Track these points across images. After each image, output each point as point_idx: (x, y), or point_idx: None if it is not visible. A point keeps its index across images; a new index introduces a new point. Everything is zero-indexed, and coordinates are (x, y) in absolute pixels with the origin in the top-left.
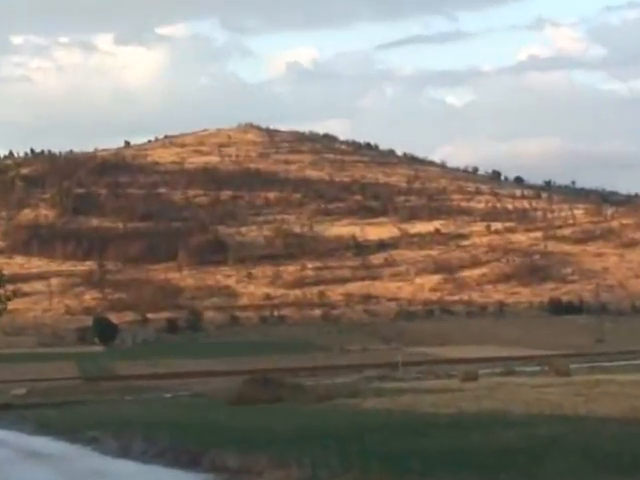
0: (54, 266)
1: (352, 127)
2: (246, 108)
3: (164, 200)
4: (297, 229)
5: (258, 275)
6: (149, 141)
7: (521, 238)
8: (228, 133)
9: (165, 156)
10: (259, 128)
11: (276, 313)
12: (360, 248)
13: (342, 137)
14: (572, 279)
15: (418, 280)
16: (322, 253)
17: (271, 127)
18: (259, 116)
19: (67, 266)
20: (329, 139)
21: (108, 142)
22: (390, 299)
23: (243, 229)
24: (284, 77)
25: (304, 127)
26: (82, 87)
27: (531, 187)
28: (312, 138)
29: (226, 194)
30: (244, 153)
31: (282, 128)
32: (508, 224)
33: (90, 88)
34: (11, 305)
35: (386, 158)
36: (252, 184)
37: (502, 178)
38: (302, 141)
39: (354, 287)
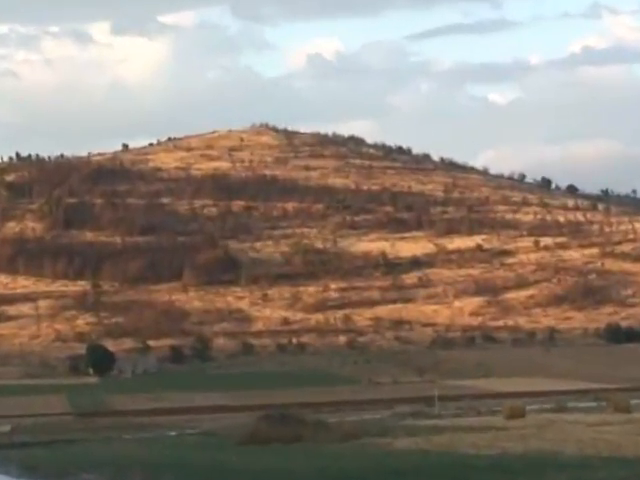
0: (42, 286)
1: (381, 128)
2: (261, 107)
3: (168, 211)
4: (319, 244)
5: (274, 297)
6: (150, 144)
7: (574, 255)
8: (240, 135)
9: (169, 161)
10: (276, 129)
11: (295, 340)
12: (391, 266)
13: (370, 140)
14: (632, 302)
15: (457, 303)
16: (347, 272)
17: (289, 128)
18: (276, 116)
19: (57, 286)
20: (355, 142)
21: (104, 145)
22: (425, 324)
23: (257, 244)
24: (304, 71)
25: (327, 128)
26: (75, 83)
27: (586, 197)
28: (336, 141)
29: (238, 204)
30: (258, 158)
31: (302, 129)
32: (559, 239)
33: (84, 84)
34: None
35: (420, 164)
36: (268, 193)
37: (553, 187)
38: (325, 144)
39: (384, 311)
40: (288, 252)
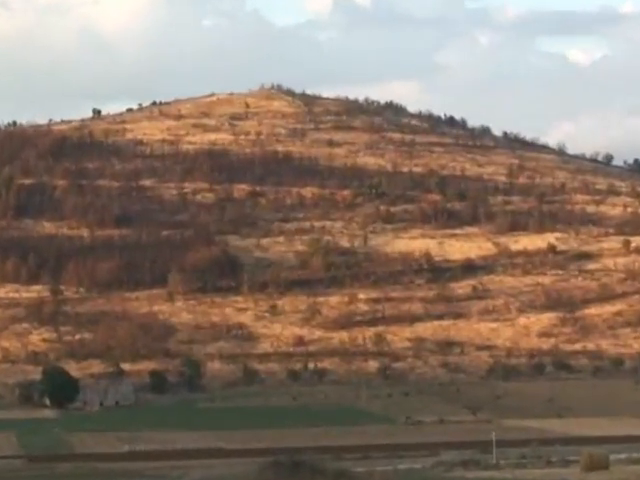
0: None
1: (427, 93)
2: (272, 64)
3: (150, 197)
4: (344, 242)
5: (286, 309)
6: (129, 110)
7: None
8: (245, 100)
9: (153, 132)
10: (291, 93)
11: (312, 365)
12: (437, 272)
13: (412, 108)
14: None
15: (522, 320)
16: (381, 278)
17: (309, 92)
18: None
19: (6, 292)
20: (394, 110)
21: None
22: (480, 347)
23: (265, 241)
24: (329, 19)
25: (357, 93)
26: (35, 31)
27: None
28: (368, 109)
29: (241, 189)
30: (268, 129)
31: (325, 93)
32: None
33: (46, 33)
34: None
35: (477, 140)
36: (279, 175)
37: None
38: (354, 113)
39: (427, 329)
40: (304, 252)
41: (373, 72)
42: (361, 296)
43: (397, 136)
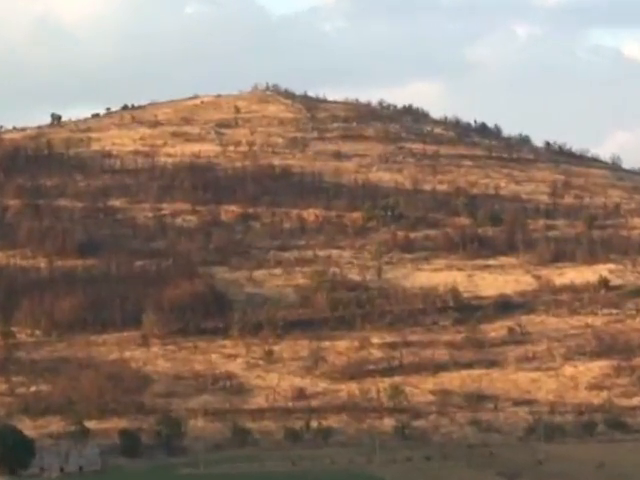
0: None
1: (454, 96)
2: (268, 60)
3: (121, 220)
4: (354, 275)
5: (284, 355)
6: (95, 116)
7: None
8: (235, 103)
9: (123, 142)
10: (290, 95)
11: (315, 423)
12: (466, 310)
13: (436, 113)
14: None
15: (568, 369)
16: (398, 318)
17: (311, 94)
18: (290, 74)
19: None
20: (414, 116)
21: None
22: (518, 402)
23: (258, 274)
24: (335, 6)
25: (369, 95)
26: None
27: None
28: (383, 114)
29: (230, 211)
30: (263, 139)
31: (331, 96)
32: None
33: None
34: None
35: (514, 151)
36: (276, 194)
37: None
38: (365, 119)
39: (454, 379)
40: (306, 286)
41: (389, 70)
42: (374, 340)
43: (418, 147)
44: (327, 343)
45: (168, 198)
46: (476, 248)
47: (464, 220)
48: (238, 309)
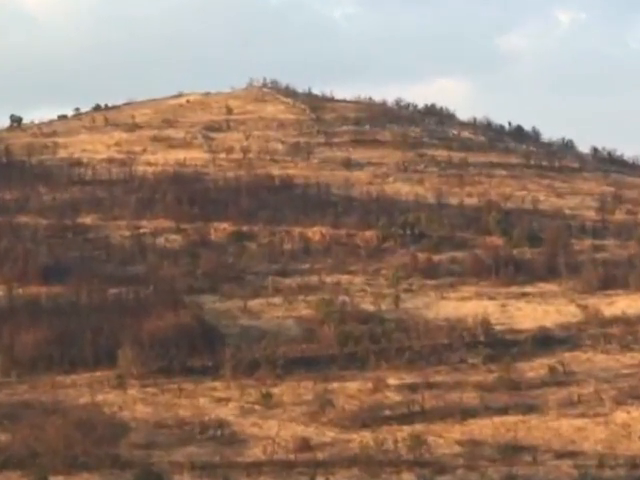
0: None
1: (485, 94)
2: (265, 52)
3: (92, 240)
4: (368, 304)
5: (285, 399)
6: (62, 117)
7: None
8: (227, 102)
9: (96, 148)
10: (291, 93)
11: (322, 479)
12: (499, 346)
13: (464, 114)
14: None
15: (620, 415)
16: (419, 355)
17: (316, 91)
18: (292, 69)
19: None
20: (437, 117)
21: None
22: (561, 454)
23: (254, 303)
24: None
25: (385, 92)
26: None
27: None
28: (402, 115)
29: (221, 229)
30: (259, 144)
31: (339, 94)
32: None
33: None
34: None
35: (556, 159)
36: (275, 209)
37: None
38: (380, 121)
39: (485, 427)
40: (311, 318)
41: (408, 64)
42: (391, 381)
43: (442, 154)
44: (335, 385)
45: (148, 214)
46: (511, 273)
47: (497, 240)
48: (231, 344)
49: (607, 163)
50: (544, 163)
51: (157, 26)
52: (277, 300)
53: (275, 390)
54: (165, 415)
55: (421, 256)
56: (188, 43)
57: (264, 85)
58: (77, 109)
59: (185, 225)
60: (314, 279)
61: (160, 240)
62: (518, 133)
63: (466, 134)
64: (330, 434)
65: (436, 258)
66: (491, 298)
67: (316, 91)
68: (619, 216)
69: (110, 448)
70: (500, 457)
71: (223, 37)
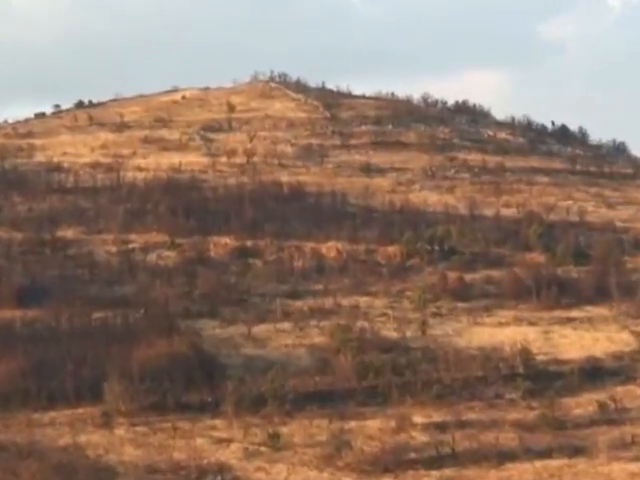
0: None
1: (524, 88)
2: (273, 41)
3: (74, 257)
4: (390, 331)
5: (295, 440)
6: (39, 116)
7: None
8: (228, 98)
9: (78, 151)
10: (302, 88)
11: None
12: (541, 379)
13: (500, 112)
14: None
15: None
16: (449, 389)
17: (331, 86)
18: (303, 60)
19: None
20: (469, 116)
21: None
22: None
23: (260, 329)
24: None
25: (409, 87)
26: None
27: None
28: (429, 113)
29: (221, 244)
30: (265, 147)
31: (358, 89)
32: None
33: None
34: None
35: (607, 164)
36: (284, 221)
37: None
38: (405, 120)
39: (525, 472)
40: (325, 346)
41: (436, 55)
42: (417, 419)
43: (475, 158)
44: (353, 423)
45: (138, 227)
46: (554, 295)
47: (538, 256)
48: (233, 377)
49: None
50: (592, 169)
51: (149, 12)
52: (286, 326)
53: (284, 429)
54: (157, 458)
55: (451, 275)
56: (184, 30)
57: (271, 79)
58: (57, 106)
59: (180, 239)
60: (328, 302)
61: (152, 257)
62: (562, 134)
63: (503, 135)
64: None
65: (468, 278)
66: (532, 324)
67: (331, 86)
68: None
69: None
70: None
71: (224, 23)
